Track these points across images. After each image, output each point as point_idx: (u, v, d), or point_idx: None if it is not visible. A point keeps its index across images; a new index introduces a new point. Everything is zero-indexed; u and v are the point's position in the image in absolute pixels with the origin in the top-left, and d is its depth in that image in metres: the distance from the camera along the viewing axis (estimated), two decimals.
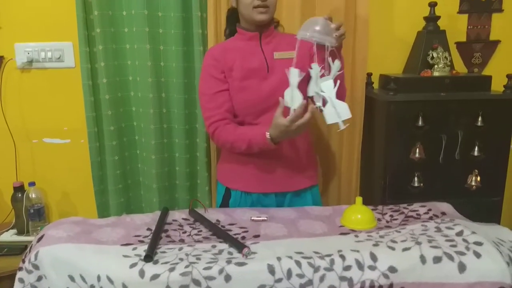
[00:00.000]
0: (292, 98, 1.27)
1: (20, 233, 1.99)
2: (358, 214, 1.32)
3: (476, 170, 1.78)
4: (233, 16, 1.54)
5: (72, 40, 1.92)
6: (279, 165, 1.51)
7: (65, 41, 1.94)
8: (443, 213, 1.36)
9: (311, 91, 1.29)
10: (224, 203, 1.58)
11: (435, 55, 1.81)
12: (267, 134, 1.33)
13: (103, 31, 1.79)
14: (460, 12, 1.99)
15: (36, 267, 1.14)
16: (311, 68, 1.27)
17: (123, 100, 1.92)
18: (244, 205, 1.54)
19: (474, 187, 1.79)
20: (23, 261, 1.18)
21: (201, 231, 1.30)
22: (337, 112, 1.26)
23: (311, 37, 1.24)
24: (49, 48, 1.95)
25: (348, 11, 1.83)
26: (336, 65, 1.26)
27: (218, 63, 1.46)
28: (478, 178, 1.78)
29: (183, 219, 1.39)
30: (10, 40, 1.94)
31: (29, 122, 2.04)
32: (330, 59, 1.26)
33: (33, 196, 1.97)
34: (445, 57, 1.81)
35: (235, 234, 1.25)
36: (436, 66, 1.81)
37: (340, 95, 1.40)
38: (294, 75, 1.25)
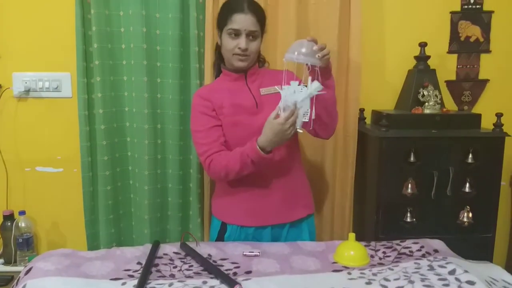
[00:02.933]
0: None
1: (7, 262, 1.96)
2: (351, 250, 1.32)
3: (468, 206, 1.79)
4: (220, 57, 1.57)
5: (70, 71, 1.94)
6: (275, 195, 1.51)
7: (63, 72, 1.97)
8: (436, 251, 1.36)
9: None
10: (220, 238, 1.56)
11: (425, 93, 1.86)
12: (257, 142, 1.34)
13: (102, 63, 1.82)
14: (449, 52, 2.06)
15: None
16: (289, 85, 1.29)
17: (118, 130, 1.93)
18: (240, 239, 1.53)
19: (466, 223, 1.79)
20: None
21: (192, 266, 1.28)
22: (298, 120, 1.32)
23: (297, 59, 1.28)
24: (47, 78, 1.97)
25: (341, 46, 1.88)
26: (314, 85, 1.29)
27: (208, 102, 1.49)
28: (470, 214, 1.79)
29: (174, 253, 1.37)
30: (9, 69, 1.97)
31: (22, 150, 2.04)
32: (309, 78, 1.30)
33: (23, 225, 1.94)
34: (436, 95, 1.86)
35: (226, 270, 1.24)
36: (426, 103, 1.85)
37: (332, 118, 1.47)
38: (315, 87, 1.29)
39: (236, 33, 1.42)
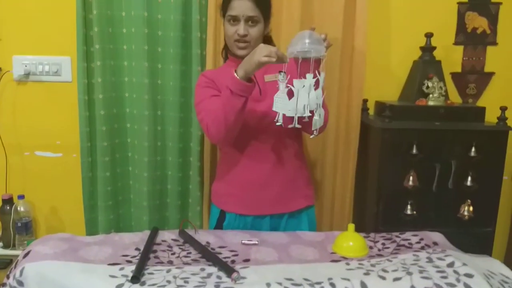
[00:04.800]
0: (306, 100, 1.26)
1: (6, 246, 1.96)
2: (350, 241, 1.31)
3: (469, 200, 1.78)
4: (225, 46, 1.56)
5: (71, 55, 1.92)
6: (274, 185, 1.50)
7: (63, 56, 1.95)
8: (435, 243, 1.36)
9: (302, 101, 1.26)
10: (218, 226, 1.56)
11: (430, 84, 1.83)
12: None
13: (102, 47, 1.80)
14: (455, 43, 2.03)
15: (21, 283, 1.12)
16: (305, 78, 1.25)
17: (118, 116, 1.91)
18: (238, 227, 1.52)
19: (466, 217, 1.78)
20: (8, 277, 1.16)
21: (190, 253, 1.28)
22: (319, 120, 1.30)
23: (309, 49, 1.23)
24: (47, 62, 1.95)
25: (345, 40, 1.86)
26: (323, 76, 1.26)
27: (213, 82, 1.47)
28: (471, 208, 1.78)
29: (172, 240, 1.37)
30: (9, 52, 1.95)
31: (22, 134, 2.03)
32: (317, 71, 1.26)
33: (22, 209, 1.94)
34: (440, 87, 1.83)
35: (224, 258, 1.24)
36: (431, 95, 1.83)
37: (326, 107, 1.43)
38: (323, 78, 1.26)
39: (235, 19, 1.41)
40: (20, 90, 1.99)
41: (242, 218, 1.52)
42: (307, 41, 1.23)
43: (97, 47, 1.79)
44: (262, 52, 1.21)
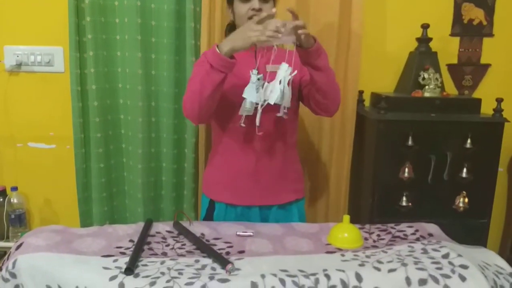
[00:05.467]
0: (272, 91, 1.26)
1: None
2: (345, 232, 1.31)
3: (464, 192, 1.78)
4: (232, 31, 1.52)
5: (63, 45, 1.90)
6: (264, 177, 1.49)
7: (55, 46, 1.92)
8: (430, 235, 1.35)
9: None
10: (208, 215, 1.55)
11: (426, 76, 1.83)
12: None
13: (95, 37, 1.78)
14: (452, 34, 2.02)
15: (14, 275, 1.11)
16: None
17: (112, 107, 1.89)
18: (228, 218, 1.51)
19: (461, 208, 1.79)
20: (0, 269, 1.15)
21: (184, 244, 1.27)
22: (283, 97, 1.28)
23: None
24: (39, 52, 1.92)
25: (342, 26, 1.84)
26: (283, 67, 1.25)
27: None
28: (466, 200, 1.78)
29: (167, 231, 1.36)
30: (0, 42, 1.92)
31: (14, 125, 2.01)
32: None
33: (15, 201, 1.93)
34: (436, 78, 1.83)
35: (219, 249, 1.23)
36: (427, 87, 1.82)
37: (330, 99, 1.42)
38: (283, 69, 1.25)
39: None
40: (12, 81, 1.96)
41: (231, 208, 1.52)
42: (282, 30, 1.21)
43: (89, 37, 1.76)
44: (251, 31, 1.20)
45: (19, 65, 1.93)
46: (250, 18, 1.38)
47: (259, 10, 1.37)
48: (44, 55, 1.93)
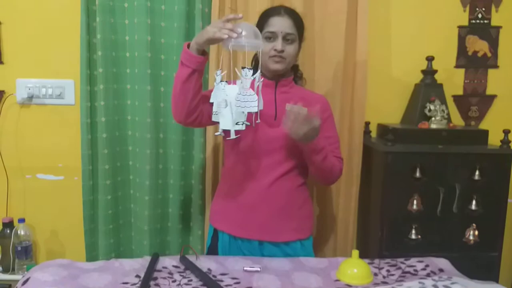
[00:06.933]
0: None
1: (5, 271, 1.94)
2: (354, 268, 1.29)
3: (474, 224, 1.76)
4: (256, 63, 1.54)
5: (74, 78, 1.94)
6: (262, 212, 1.45)
7: (66, 79, 1.96)
8: (441, 270, 1.33)
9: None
10: (213, 245, 1.54)
11: (432, 107, 1.83)
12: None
13: (105, 71, 1.81)
14: (457, 66, 2.04)
15: None
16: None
17: (120, 139, 1.91)
18: (232, 248, 1.50)
19: (472, 241, 1.76)
20: None
21: (191, 280, 1.25)
22: (232, 120, 1.24)
23: (244, 43, 1.21)
24: (50, 85, 1.96)
25: (347, 58, 1.87)
26: (244, 72, 1.22)
27: None
28: (476, 233, 1.76)
29: (173, 266, 1.34)
30: (12, 75, 1.96)
31: (24, 157, 2.02)
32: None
33: (22, 233, 1.93)
34: (442, 110, 1.83)
35: (226, 285, 1.21)
36: (433, 118, 1.82)
37: (323, 177, 1.49)
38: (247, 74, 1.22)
39: (273, 36, 1.41)
40: (23, 113, 2.00)
41: (233, 239, 1.50)
42: (243, 33, 1.21)
43: (100, 70, 1.80)
44: (213, 27, 1.22)
45: (30, 97, 1.96)
46: (271, 57, 1.42)
47: (281, 51, 1.40)
48: (56, 88, 1.97)
